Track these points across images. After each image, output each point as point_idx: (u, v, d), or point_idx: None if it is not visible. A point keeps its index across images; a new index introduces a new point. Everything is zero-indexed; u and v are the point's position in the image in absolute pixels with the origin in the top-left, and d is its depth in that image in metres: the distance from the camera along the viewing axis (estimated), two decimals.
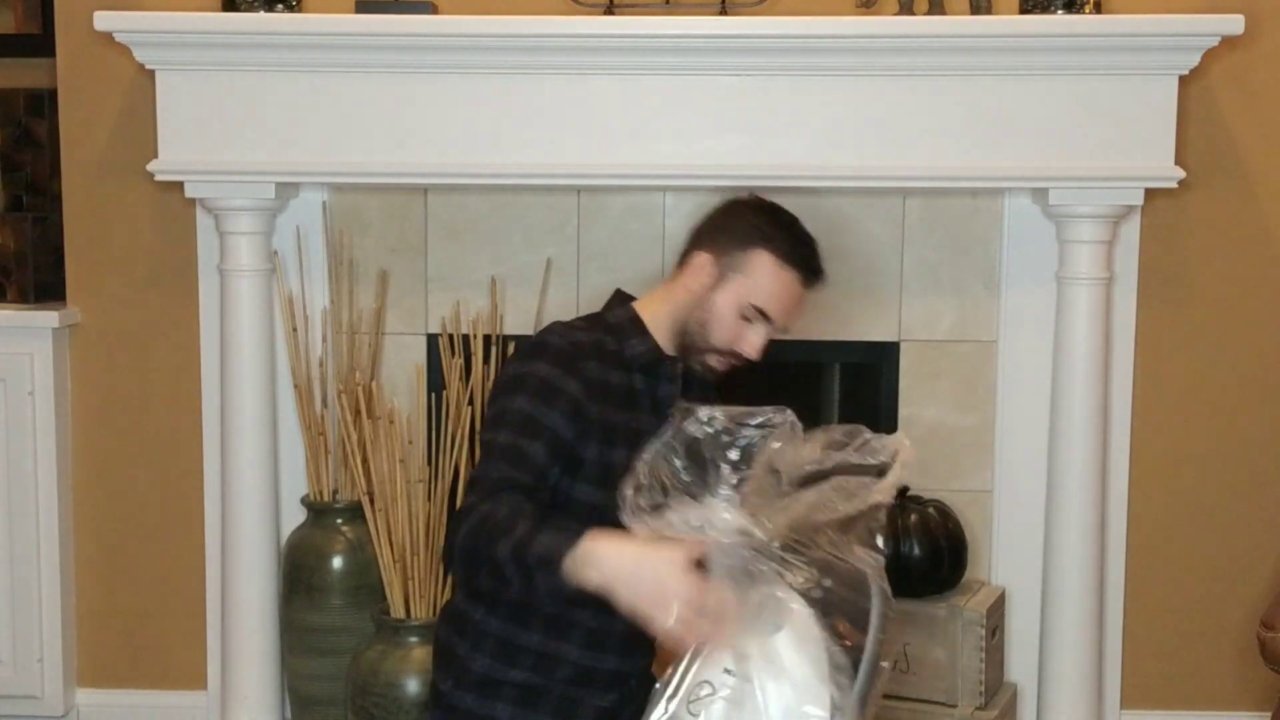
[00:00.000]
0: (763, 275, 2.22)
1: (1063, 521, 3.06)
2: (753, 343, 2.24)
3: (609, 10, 3.00)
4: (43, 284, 3.28)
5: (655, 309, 2.27)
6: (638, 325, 2.25)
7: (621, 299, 2.32)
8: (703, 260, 2.25)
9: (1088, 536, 3.06)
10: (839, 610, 1.82)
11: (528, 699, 2.12)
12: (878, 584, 1.83)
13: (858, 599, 1.82)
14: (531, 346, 2.18)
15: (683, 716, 1.77)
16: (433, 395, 3.13)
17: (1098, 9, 2.94)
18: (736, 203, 2.34)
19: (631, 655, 2.18)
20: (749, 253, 2.23)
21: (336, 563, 3.11)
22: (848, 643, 1.80)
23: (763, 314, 2.22)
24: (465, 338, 3.13)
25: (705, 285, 2.23)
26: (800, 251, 2.25)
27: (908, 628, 2.95)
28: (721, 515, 1.80)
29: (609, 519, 1.85)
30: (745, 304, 2.22)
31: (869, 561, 1.85)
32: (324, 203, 3.17)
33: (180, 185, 3.03)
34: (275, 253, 3.15)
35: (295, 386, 3.15)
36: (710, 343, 2.23)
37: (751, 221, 2.27)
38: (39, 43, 3.30)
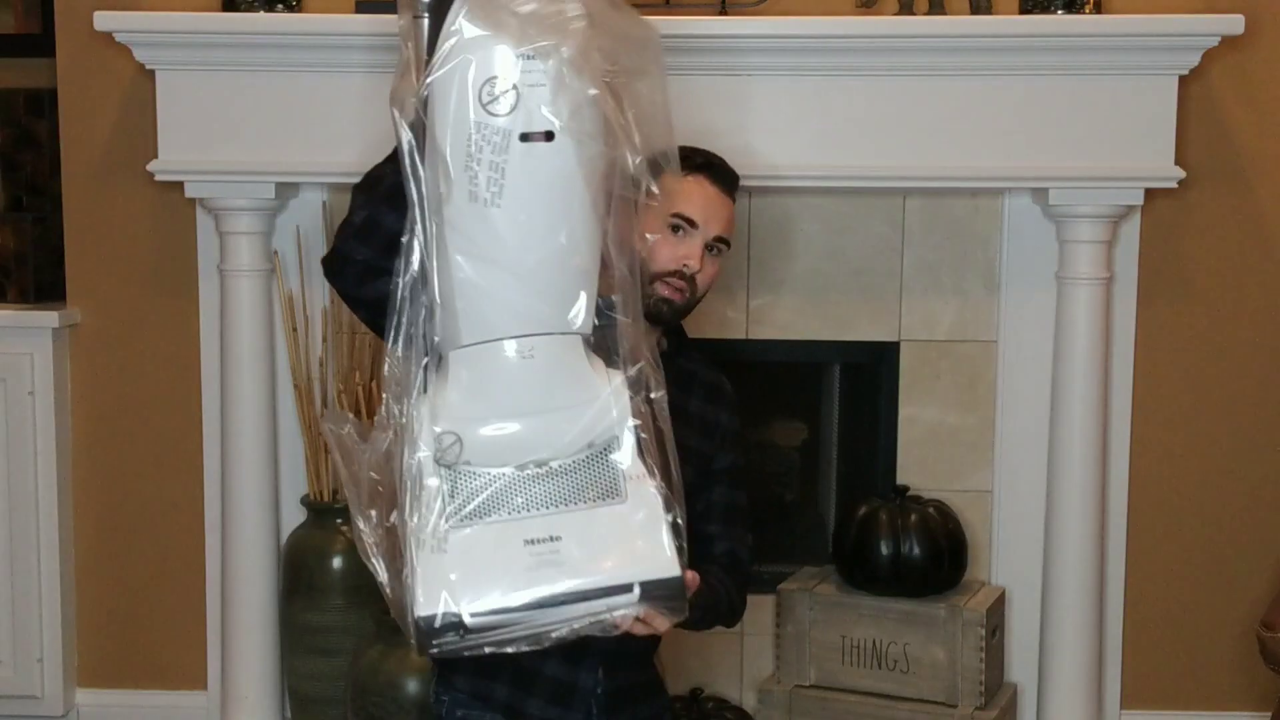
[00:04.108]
0: (679, 187, 2.17)
1: (1063, 521, 3.06)
2: (687, 254, 2.19)
3: None
4: (43, 284, 3.28)
5: None
6: None
7: None
8: None
9: (1088, 536, 3.06)
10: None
11: (520, 680, 2.12)
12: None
13: None
14: None
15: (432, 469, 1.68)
16: None
17: (1098, 9, 2.94)
18: None
19: (574, 665, 2.12)
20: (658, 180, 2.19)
21: (336, 563, 3.11)
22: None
23: (689, 220, 2.19)
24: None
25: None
26: (705, 159, 2.26)
27: (908, 628, 2.95)
28: None
29: None
30: (666, 218, 2.17)
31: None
32: (324, 203, 3.17)
33: (180, 185, 3.03)
34: (275, 253, 3.15)
35: (295, 386, 3.15)
36: (652, 270, 2.17)
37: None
38: (39, 43, 3.30)
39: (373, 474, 1.72)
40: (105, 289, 3.24)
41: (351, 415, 1.78)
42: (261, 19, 2.92)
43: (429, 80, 1.64)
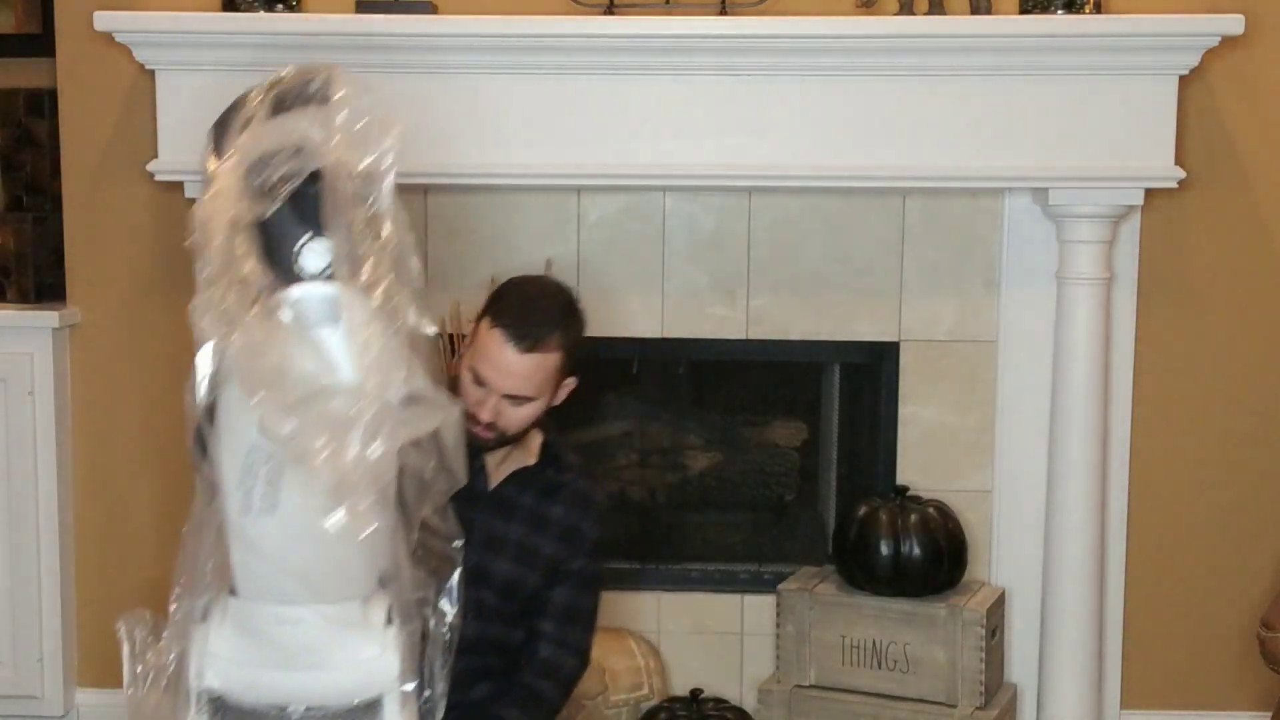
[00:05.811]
0: (481, 337, 2.29)
1: (1063, 521, 3.06)
2: (480, 404, 2.26)
3: (609, 10, 3.00)
4: (43, 284, 3.28)
5: None
6: None
7: None
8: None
9: (1088, 536, 3.06)
10: None
11: None
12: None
13: None
14: None
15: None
16: None
17: (1098, 9, 2.94)
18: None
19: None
20: (480, 321, 2.31)
21: None
22: None
23: (478, 377, 2.26)
24: (465, 338, 3.13)
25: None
26: (514, 312, 2.29)
27: (908, 628, 2.95)
28: None
29: None
30: (469, 368, 2.28)
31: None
32: None
33: (180, 185, 3.03)
34: None
35: None
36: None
37: (494, 293, 2.37)
38: (39, 43, 3.30)
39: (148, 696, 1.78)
40: (105, 289, 3.24)
41: (149, 614, 1.82)
42: (261, 19, 2.92)
43: (208, 400, 1.68)
